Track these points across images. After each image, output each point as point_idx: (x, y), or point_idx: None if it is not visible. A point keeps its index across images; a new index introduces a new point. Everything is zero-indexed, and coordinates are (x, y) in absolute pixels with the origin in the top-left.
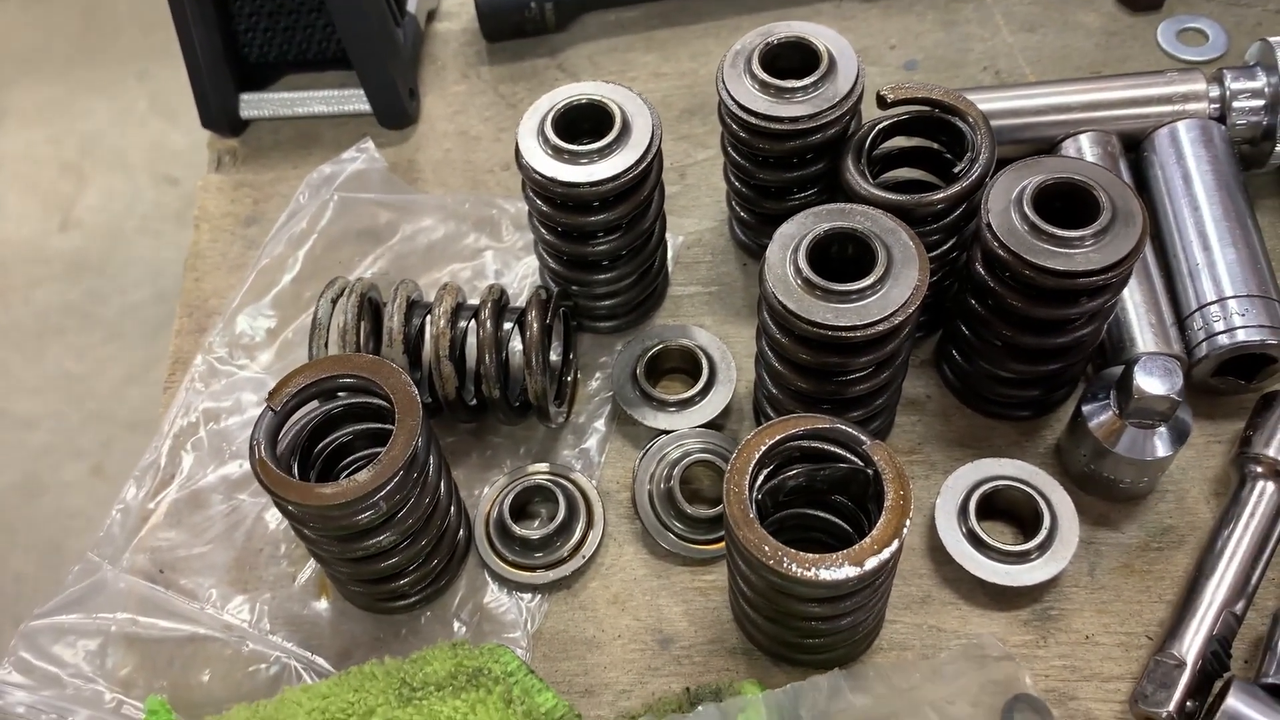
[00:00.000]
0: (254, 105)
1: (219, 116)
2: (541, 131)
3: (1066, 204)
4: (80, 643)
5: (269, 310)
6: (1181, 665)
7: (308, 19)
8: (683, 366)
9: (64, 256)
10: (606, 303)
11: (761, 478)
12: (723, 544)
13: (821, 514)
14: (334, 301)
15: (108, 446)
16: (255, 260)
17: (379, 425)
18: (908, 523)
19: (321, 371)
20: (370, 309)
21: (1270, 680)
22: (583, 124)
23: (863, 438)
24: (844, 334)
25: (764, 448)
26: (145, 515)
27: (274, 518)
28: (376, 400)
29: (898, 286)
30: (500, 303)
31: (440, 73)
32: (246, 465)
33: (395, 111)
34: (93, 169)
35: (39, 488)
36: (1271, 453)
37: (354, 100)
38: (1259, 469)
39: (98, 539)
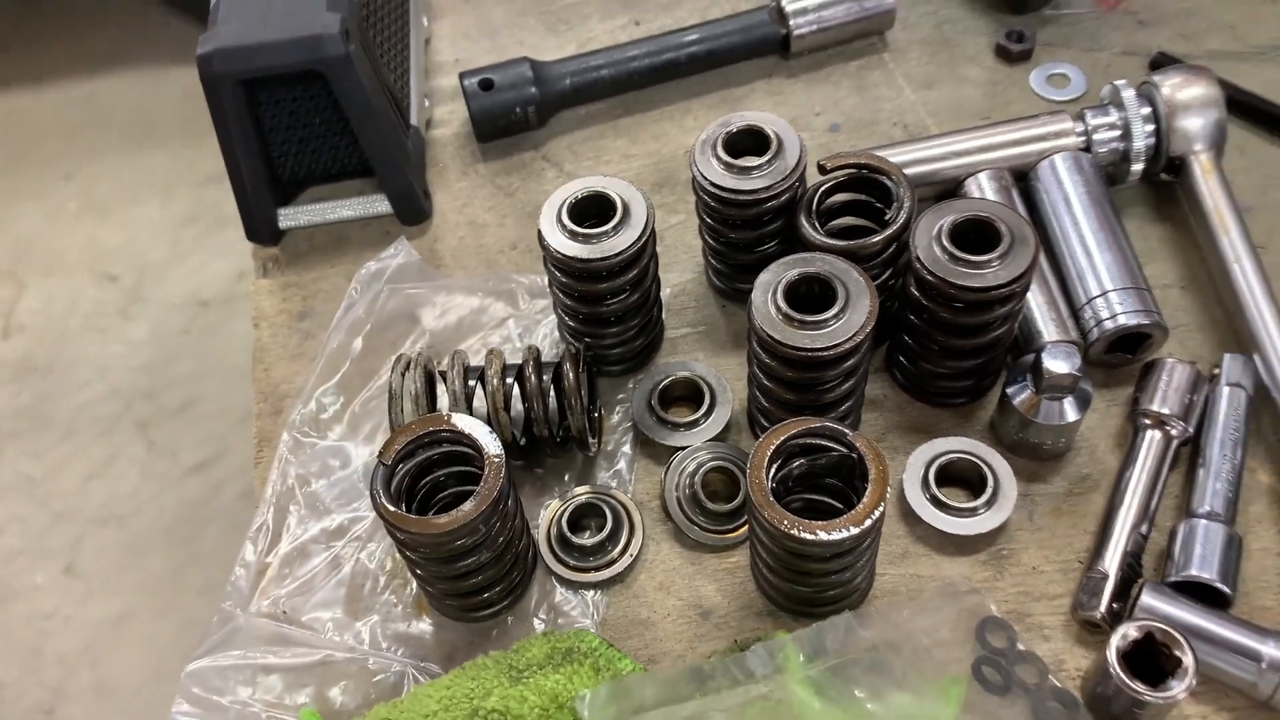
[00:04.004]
0: (291, 217)
1: (262, 229)
2: (559, 219)
3: (975, 235)
4: (233, 675)
5: (338, 389)
6: (1106, 577)
7: (332, 140)
8: (687, 394)
9: (10, 363)
10: (617, 350)
11: (773, 470)
12: (740, 531)
13: (819, 497)
14: (403, 374)
15: (78, 545)
16: (322, 347)
17: (464, 468)
18: (888, 491)
19: (419, 430)
20: (428, 377)
21: (1173, 579)
22: (591, 210)
23: (846, 431)
24: (818, 353)
25: (774, 446)
26: (262, 569)
27: (369, 557)
28: (463, 448)
29: (855, 313)
30: (539, 360)
31: (443, 173)
32: (340, 518)
33: (414, 210)
34: (29, 273)
35: (10, 593)
36: (1155, 408)
37: (377, 204)
38: (1148, 421)
39: (227, 593)
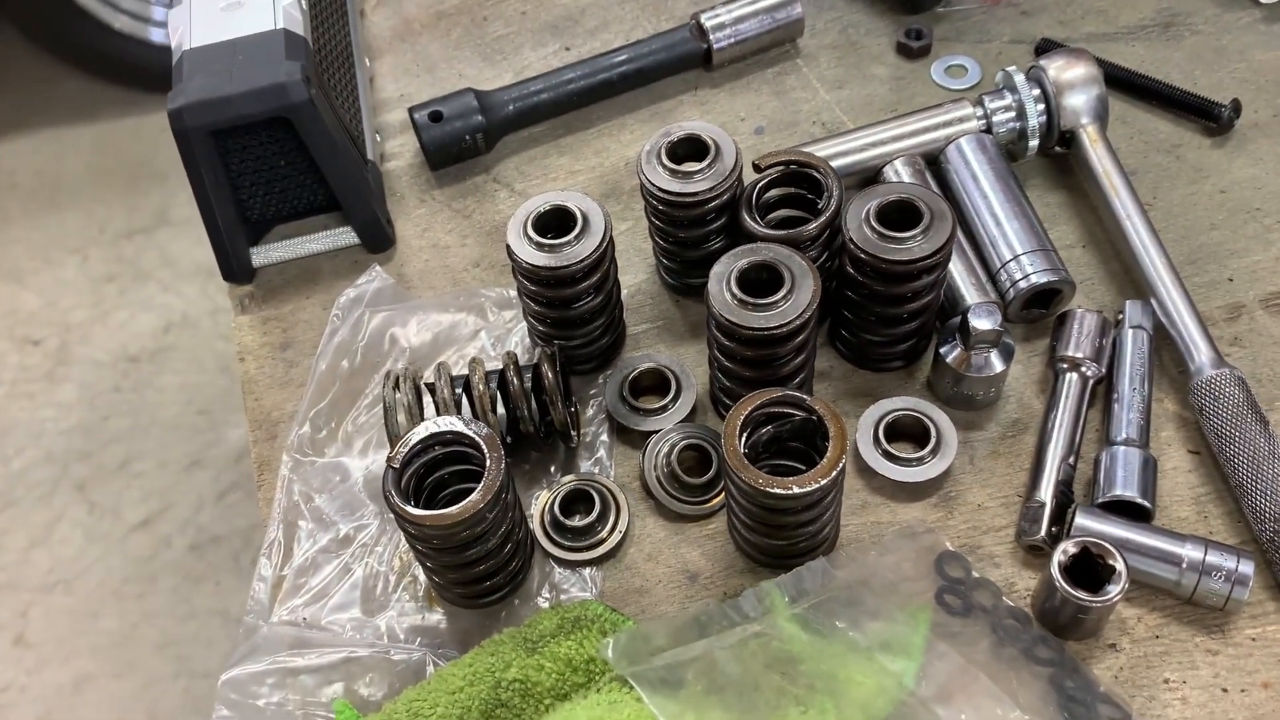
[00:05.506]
0: (263, 255)
1: (238, 269)
2: (525, 232)
3: (899, 214)
4: (265, 680)
5: (329, 409)
6: (1043, 505)
7: (298, 180)
8: (655, 383)
9: None
10: (585, 349)
11: (745, 437)
12: (716, 500)
13: (783, 461)
14: (394, 389)
15: (26, 614)
16: (311, 372)
17: (464, 466)
18: (848, 446)
19: (423, 433)
20: (417, 390)
21: (1101, 501)
22: (552, 222)
23: (805, 397)
24: (772, 331)
25: (744, 415)
26: (278, 581)
27: (378, 560)
28: (462, 447)
29: (801, 293)
30: (518, 364)
31: (401, 202)
32: (346, 528)
33: (379, 239)
34: None
35: None
36: (1071, 353)
37: (344, 236)
38: (1065, 366)
39: (248, 607)
